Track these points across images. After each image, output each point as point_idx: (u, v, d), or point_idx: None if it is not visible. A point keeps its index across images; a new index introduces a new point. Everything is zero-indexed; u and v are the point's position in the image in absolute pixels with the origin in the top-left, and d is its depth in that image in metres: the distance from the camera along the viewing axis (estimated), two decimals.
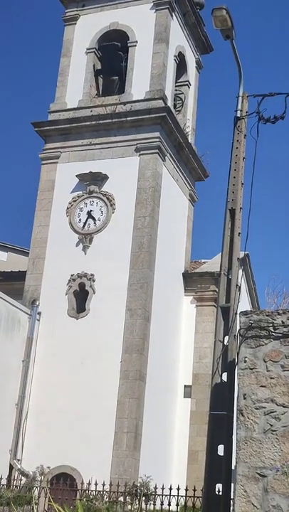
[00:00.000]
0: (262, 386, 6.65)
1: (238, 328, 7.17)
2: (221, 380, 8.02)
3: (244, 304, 19.28)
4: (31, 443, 16.06)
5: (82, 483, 13.08)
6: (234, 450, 6.80)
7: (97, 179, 17.88)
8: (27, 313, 16.86)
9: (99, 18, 19.72)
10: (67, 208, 18.01)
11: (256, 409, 6.59)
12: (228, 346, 8.07)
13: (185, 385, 18.42)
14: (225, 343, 8.17)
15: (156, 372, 16.78)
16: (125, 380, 15.89)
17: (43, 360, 16.73)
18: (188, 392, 18.33)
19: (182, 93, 20.70)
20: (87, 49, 19.55)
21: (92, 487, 12.45)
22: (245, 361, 6.79)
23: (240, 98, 9.66)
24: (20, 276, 18.86)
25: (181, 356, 18.63)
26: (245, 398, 6.67)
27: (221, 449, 7.74)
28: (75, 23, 20.01)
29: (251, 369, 6.74)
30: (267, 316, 6.86)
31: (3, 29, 51.70)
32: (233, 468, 7.20)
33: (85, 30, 19.80)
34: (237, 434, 6.63)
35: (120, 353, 16.14)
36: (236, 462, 6.55)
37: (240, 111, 9.56)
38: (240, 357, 6.86)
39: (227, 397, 7.85)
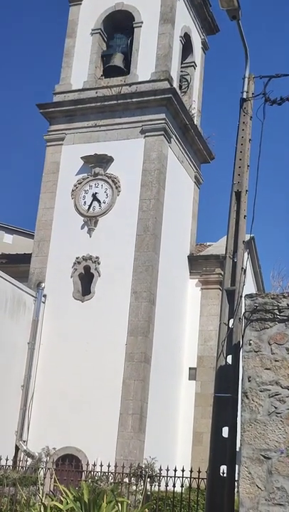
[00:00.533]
0: (266, 369, 6.65)
1: (243, 311, 7.17)
2: (226, 362, 8.03)
3: (249, 286, 19.22)
4: (37, 424, 16.16)
5: (88, 464, 13.16)
6: (239, 432, 6.83)
7: (102, 161, 17.81)
8: (32, 296, 16.90)
9: None
10: (72, 191, 17.97)
11: (261, 391, 6.60)
12: (233, 329, 8.08)
13: (190, 368, 18.48)
14: (230, 326, 8.17)
15: (161, 355, 16.83)
16: (130, 362, 15.94)
17: (48, 342, 16.79)
18: (193, 374, 18.39)
19: (188, 74, 20.54)
20: (93, 30, 19.39)
21: (98, 468, 12.52)
22: (250, 344, 6.79)
23: (246, 79, 9.58)
24: (25, 258, 18.88)
25: (186, 339, 18.66)
26: (249, 381, 6.67)
27: (225, 431, 7.76)
28: (80, 3, 19.84)
29: (256, 352, 6.74)
30: (272, 299, 6.85)
31: (7, 10, 51.33)
32: (237, 450, 7.24)
33: (90, 10, 19.63)
34: (241, 416, 6.64)
35: (125, 336, 16.17)
36: (241, 444, 6.57)
37: (247, 92, 9.48)
38: (245, 340, 6.86)
39: (232, 379, 7.86)
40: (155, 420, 16.21)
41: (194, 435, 17.76)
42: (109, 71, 19.35)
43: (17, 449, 15.83)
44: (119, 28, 19.51)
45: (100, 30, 19.35)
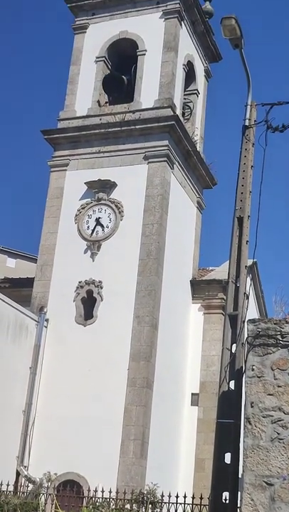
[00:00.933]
0: (269, 394, 6.66)
1: (245, 336, 7.19)
2: (229, 388, 8.03)
3: (252, 312, 19.26)
4: (38, 449, 16.07)
5: (89, 490, 13.07)
6: (241, 458, 6.81)
7: (105, 186, 17.94)
8: (35, 320, 16.90)
9: (108, 27, 19.83)
10: (76, 215, 18.08)
11: (263, 417, 6.60)
12: (236, 354, 8.09)
13: (192, 393, 18.39)
14: (232, 351, 8.18)
15: (164, 380, 16.77)
16: (132, 387, 15.89)
17: (50, 367, 16.75)
18: (195, 400, 18.30)
19: (191, 101, 20.75)
20: (97, 57, 19.65)
21: (99, 494, 12.43)
22: (252, 369, 6.80)
23: (248, 107, 9.71)
24: (28, 282, 18.91)
25: (189, 364, 18.61)
26: (252, 406, 6.68)
27: (228, 457, 7.75)
28: (85, 32, 20.13)
29: (259, 377, 6.75)
30: (275, 324, 6.88)
31: (14, 38, 52.05)
32: (240, 476, 7.21)
33: (95, 38, 19.91)
34: (244, 442, 6.64)
35: (128, 361, 16.14)
36: (243, 470, 6.55)
37: (249, 120, 9.60)
38: (248, 365, 6.87)
39: (234, 405, 7.86)
40: (157, 446, 16.11)
41: (196, 461, 17.62)
42: (113, 98, 19.57)
43: (18, 474, 15.72)
44: (123, 55, 19.77)
45: (104, 58, 19.61)
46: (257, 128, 9.55)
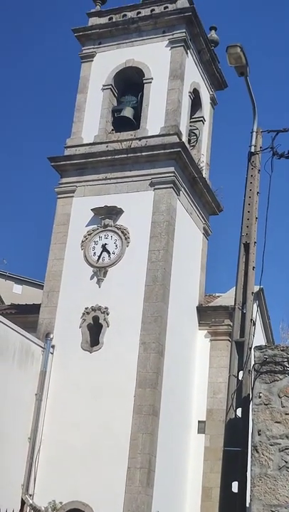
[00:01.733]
0: (277, 422, 6.60)
1: (252, 363, 7.15)
2: (236, 415, 7.97)
3: (259, 338, 19.17)
4: (43, 477, 15.92)
5: None
6: (248, 487, 6.73)
7: (112, 213, 18.01)
8: (41, 346, 16.87)
9: (115, 56, 20.08)
10: (82, 242, 18.12)
11: (271, 445, 6.53)
12: (243, 381, 8.04)
13: (199, 421, 18.23)
14: (239, 378, 8.13)
15: (170, 407, 16.65)
16: (138, 414, 15.77)
17: (56, 393, 16.67)
18: (202, 427, 18.14)
19: (197, 128, 20.90)
20: (103, 85, 19.86)
21: None
22: (259, 396, 6.75)
23: (254, 134, 9.79)
24: (34, 309, 18.91)
25: (195, 391, 18.48)
26: (259, 434, 6.62)
27: (235, 486, 7.66)
28: (92, 60, 20.38)
29: (266, 404, 6.70)
30: (282, 350, 6.85)
31: (22, 66, 52.74)
32: (247, 505, 7.11)
33: (101, 67, 20.14)
34: (251, 470, 6.57)
35: (134, 388, 16.05)
36: (251, 499, 6.47)
37: (255, 146, 9.67)
38: (255, 392, 6.83)
39: (241, 433, 7.79)
40: (163, 474, 15.93)
41: (203, 490, 17.41)
42: (120, 125, 19.74)
43: (23, 502, 15.55)
44: (129, 83, 19.98)
45: (110, 86, 19.81)
46: (263, 154, 9.61)
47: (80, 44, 20.69)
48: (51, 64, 53.01)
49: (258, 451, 6.52)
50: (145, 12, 19.97)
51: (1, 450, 15.03)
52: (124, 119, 19.43)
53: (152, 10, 19.88)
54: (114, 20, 20.35)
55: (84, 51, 20.54)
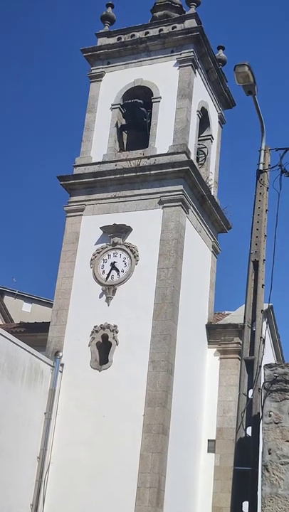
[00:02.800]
0: (287, 441, 6.55)
1: (262, 381, 7.12)
2: (246, 434, 7.92)
3: (268, 356, 19.06)
4: (52, 497, 15.82)
5: None
6: (259, 507, 6.67)
7: (120, 231, 18.06)
8: (50, 365, 16.84)
9: (123, 75, 20.24)
10: (91, 260, 18.15)
11: (282, 464, 6.48)
12: (253, 400, 8.00)
13: (209, 440, 18.10)
14: (249, 397, 8.09)
15: (180, 426, 16.55)
16: (148, 433, 15.69)
17: (65, 412, 16.62)
18: (212, 446, 18.01)
19: (205, 147, 20.98)
20: (112, 105, 20.00)
21: None
22: (269, 415, 6.71)
23: (262, 151, 9.83)
24: (43, 327, 18.92)
25: (205, 410, 18.38)
26: (270, 453, 6.56)
27: (245, 506, 7.59)
28: (101, 80, 20.54)
29: (276, 423, 6.65)
30: None
31: (31, 85, 53.22)
32: None
33: (110, 86, 20.30)
34: (262, 490, 6.50)
35: (143, 406, 15.97)
36: None
37: (263, 164, 9.71)
38: (265, 411, 6.78)
39: (252, 452, 7.74)
40: (173, 494, 15.80)
41: (214, 510, 17.24)
42: (128, 144, 19.84)
43: None
44: (138, 102, 20.08)
45: (119, 105, 19.95)
46: (271, 172, 9.65)
47: (89, 64, 20.88)
48: (61, 83, 53.48)
49: (268, 471, 6.47)
50: (153, 32, 20.14)
51: (10, 470, 14.97)
52: (133, 136, 19.52)
53: (160, 30, 20.06)
54: (122, 40, 20.54)
55: (93, 71, 20.72)
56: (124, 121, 20.05)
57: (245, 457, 7.72)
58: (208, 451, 17.99)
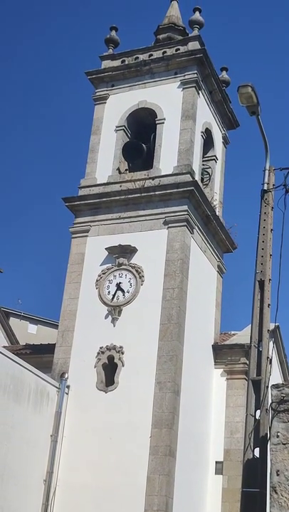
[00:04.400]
0: None
1: (269, 401, 7.07)
2: (254, 455, 7.86)
3: (275, 376, 18.94)
4: None
5: None
6: None
7: (126, 252, 18.07)
8: (56, 387, 16.77)
9: (128, 97, 20.38)
10: (97, 281, 18.16)
11: None
12: (260, 421, 7.94)
13: (216, 461, 17.94)
14: (257, 418, 8.03)
15: (187, 448, 16.42)
16: (155, 455, 15.56)
17: (71, 434, 16.51)
18: (219, 468, 17.84)
19: (209, 167, 21.06)
20: (117, 127, 20.13)
21: None
22: (277, 436, 6.66)
23: (266, 171, 9.86)
24: (49, 348, 18.87)
25: (212, 431, 18.24)
26: (278, 475, 6.51)
27: None
28: (105, 102, 20.69)
29: (284, 444, 6.60)
30: None
31: (36, 108, 53.66)
32: None
33: (115, 108, 20.44)
34: None
35: (149, 428, 15.86)
36: None
37: (267, 184, 9.74)
38: (273, 432, 6.74)
39: (260, 473, 7.67)
40: None
41: None
42: (133, 165, 19.94)
43: None
44: (142, 124, 20.24)
45: (123, 127, 20.07)
46: (275, 192, 9.67)
47: (93, 86, 21.05)
48: (65, 106, 53.89)
49: (276, 492, 6.41)
50: (157, 54, 20.33)
51: (16, 493, 14.85)
52: (138, 156, 19.61)
53: (164, 52, 20.24)
54: (126, 62, 20.72)
55: (97, 93, 20.88)
56: (127, 140, 20.11)
57: (253, 479, 7.64)
58: (215, 473, 17.82)
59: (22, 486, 15.10)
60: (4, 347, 18.25)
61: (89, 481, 15.82)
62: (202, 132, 20.00)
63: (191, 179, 18.28)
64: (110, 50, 21.38)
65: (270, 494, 6.48)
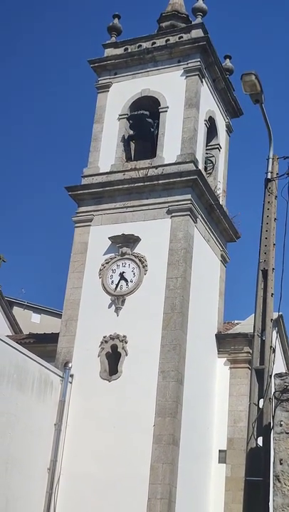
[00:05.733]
0: None
1: (273, 390, 7.07)
2: (257, 444, 7.86)
3: (279, 365, 18.95)
4: (63, 508, 15.75)
5: None
6: None
7: (129, 241, 18.04)
8: (59, 376, 16.81)
9: (131, 85, 20.29)
10: (100, 270, 18.14)
11: None
12: (263, 409, 7.94)
13: (220, 450, 17.98)
14: (260, 406, 8.03)
15: (190, 437, 16.47)
16: (158, 444, 15.61)
17: (75, 423, 16.56)
18: (223, 457, 17.89)
19: (213, 156, 20.98)
20: (120, 115, 20.04)
21: None
22: (280, 425, 6.66)
23: (270, 160, 9.81)
24: (53, 338, 18.89)
25: (215, 420, 18.28)
26: (281, 463, 6.51)
27: None
28: (108, 91, 20.60)
29: (287, 433, 6.60)
30: None
31: (39, 97, 53.49)
32: None
33: (117, 97, 20.35)
34: (274, 501, 6.44)
35: (153, 417, 15.90)
36: None
37: (271, 173, 9.69)
38: (276, 420, 6.73)
39: (263, 462, 7.67)
40: (184, 505, 15.70)
41: None
42: (136, 154, 19.86)
43: None
44: (143, 115, 20.09)
45: (126, 116, 19.98)
46: (279, 181, 9.62)
47: (96, 75, 20.95)
48: (68, 94, 53.68)
49: (280, 481, 6.41)
50: (160, 42, 20.21)
51: (20, 481, 14.92)
52: (140, 146, 19.53)
53: (167, 40, 20.12)
54: (129, 50, 20.61)
55: (100, 82, 20.78)
56: (131, 132, 20.06)
57: (256, 467, 7.65)
58: (219, 462, 17.87)
59: (26, 474, 15.17)
60: (8, 336, 18.28)
61: (92, 470, 15.89)
62: (205, 120, 19.91)
63: (195, 168, 18.22)
64: (113, 38, 21.26)
65: (274, 483, 6.49)
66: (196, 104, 19.19)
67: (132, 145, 20.27)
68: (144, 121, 19.67)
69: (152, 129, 19.56)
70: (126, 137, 19.81)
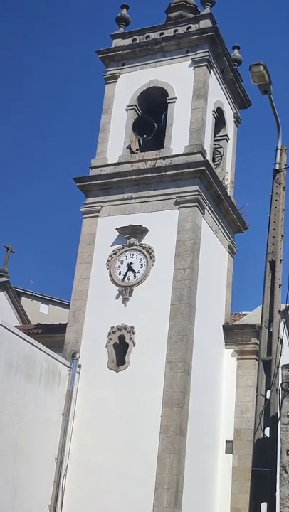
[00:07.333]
0: None
1: (280, 381, 7.08)
2: (264, 435, 7.89)
3: (286, 356, 18.92)
4: (71, 498, 15.87)
5: None
6: (278, 508, 6.63)
7: (137, 232, 18.05)
8: (67, 366, 16.88)
9: (139, 76, 20.24)
10: (108, 261, 18.17)
11: None
12: (271, 400, 7.96)
13: (227, 441, 18.04)
14: (267, 397, 8.05)
15: (197, 427, 16.52)
16: (165, 434, 15.67)
17: (82, 413, 16.64)
18: (229, 447, 17.95)
19: (221, 147, 20.92)
20: (128, 106, 20.01)
21: None
22: (287, 416, 6.68)
23: (278, 151, 9.79)
24: (60, 328, 18.96)
25: (223, 410, 18.32)
26: (288, 454, 6.53)
27: (264, 507, 7.55)
28: (116, 81, 20.55)
29: None
30: None
31: (47, 88, 53.45)
32: None
33: (125, 87, 20.31)
34: (280, 491, 6.47)
35: (160, 407, 15.96)
36: None
37: (279, 164, 9.67)
38: (283, 411, 6.75)
39: (270, 453, 7.70)
40: (191, 495, 15.77)
41: (232, 511, 17.16)
42: (144, 145, 19.83)
43: None
44: (153, 103, 20.09)
45: (134, 106, 19.94)
46: (287, 172, 9.60)
47: (104, 65, 20.90)
48: (76, 85, 53.62)
49: (286, 471, 6.43)
50: (168, 33, 20.12)
51: (28, 471, 15.02)
52: (148, 132, 19.49)
53: (175, 30, 20.04)
54: (137, 41, 20.55)
55: (108, 72, 20.74)
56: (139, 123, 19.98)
57: (263, 458, 7.68)
58: (226, 452, 17.93)
59: (34, 464, 15.27)
60: (16, 326, 18.34)
61: (100, 460, 15.97)
62: (214, 111, 19.85)
63: (203, 159, 18.18)
64: (121, 28, 21.19)
65: (280, 473, 6.51)
66: (204, 94, 19.13)
67: (141, 134, 20.15)
68: (153, 110, 19.65)
69: (161, 119, 19.50)
70: (134, 127, 19.70)
